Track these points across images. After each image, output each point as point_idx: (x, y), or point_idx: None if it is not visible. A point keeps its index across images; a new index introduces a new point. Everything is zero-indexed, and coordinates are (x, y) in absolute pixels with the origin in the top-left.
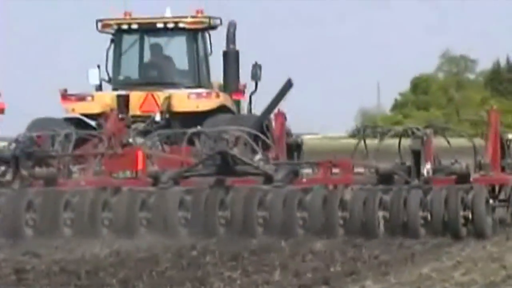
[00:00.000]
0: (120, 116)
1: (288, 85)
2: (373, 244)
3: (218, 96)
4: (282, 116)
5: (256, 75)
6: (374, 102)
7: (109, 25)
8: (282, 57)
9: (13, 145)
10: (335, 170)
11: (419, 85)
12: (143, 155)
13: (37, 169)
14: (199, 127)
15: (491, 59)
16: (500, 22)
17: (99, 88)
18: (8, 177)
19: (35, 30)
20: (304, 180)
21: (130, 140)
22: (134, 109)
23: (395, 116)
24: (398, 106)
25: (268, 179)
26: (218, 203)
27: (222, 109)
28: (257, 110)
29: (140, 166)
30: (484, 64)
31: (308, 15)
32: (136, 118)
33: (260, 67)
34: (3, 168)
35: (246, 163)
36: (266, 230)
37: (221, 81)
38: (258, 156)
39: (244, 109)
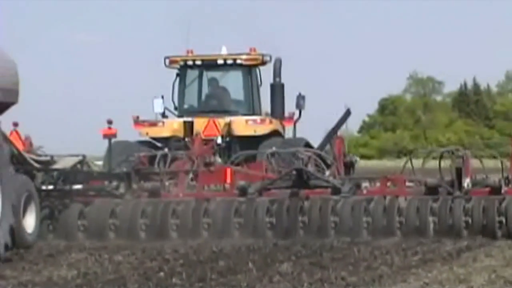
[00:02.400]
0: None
1: (347, 113)
2: (340, 265)
3: (271, 122)
4: (340, 139)
5: (300, 104)
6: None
7: (176, 62)
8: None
9: (122, 164)
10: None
11: (387, 106)
12: (231, 171)
13: (145, 183)
14: (274, 148)
15: (458, 80)
16: (467, 44)
17: (162, 115)
18: (121, 190)
19: (105, 67)
20: (365, 191)
21: (212, 159)
22: (198, 133)
23: (363, 137)
24: (365, 127)
25: (336, 190)
26: (298, 210)
27: (274, 133)
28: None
29: (228, 180)
30: (451, 86)
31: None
32: (194, 141)
33: (303, 97)
34: (115, 183)
35: (318, 178)
36: (337, 232)
37: (268, 110)
38: (328, 172)
39: (289, 134)
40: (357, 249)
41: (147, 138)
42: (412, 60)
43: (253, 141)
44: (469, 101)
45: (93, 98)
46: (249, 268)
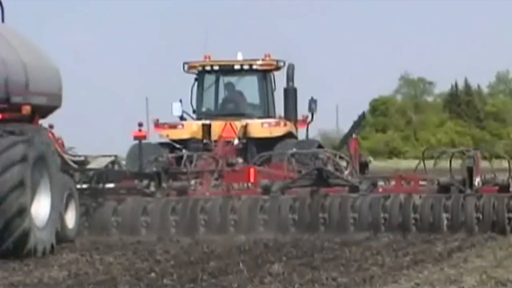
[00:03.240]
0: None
1: (362, 117)
2: (331, 266)
3: (285, 124)
4: (356, 141)
5: (312, 108)
6: (333, 124)
7: (194, 67)
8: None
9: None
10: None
11: (378, 107)
12: (255, 170)
13: (173, 182)
14: (294, 149)
15: (449, 81)
16: (458, 45)
17: (180, 118)
18: (151, 188)
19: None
20: (381, 190)
21: (234, 160)
22: (215, 135)
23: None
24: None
25: (355, 189)
26: (319, 207)
27: (288, 135)
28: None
29: (252, 180)
30: (442, 87)
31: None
32: (217, 143)
33: (315, 101)
34: (146, 181)
35: (338, 177)
36: (356, 228)
37: (281, 113)
38: (347, 172)
39: (303, 135)
40: (348, 250)
41: (166, 140)
42: (403, 61)
43: (268, 143)
44: (460, 102)
45: (112, 100)
46: (240, 269)
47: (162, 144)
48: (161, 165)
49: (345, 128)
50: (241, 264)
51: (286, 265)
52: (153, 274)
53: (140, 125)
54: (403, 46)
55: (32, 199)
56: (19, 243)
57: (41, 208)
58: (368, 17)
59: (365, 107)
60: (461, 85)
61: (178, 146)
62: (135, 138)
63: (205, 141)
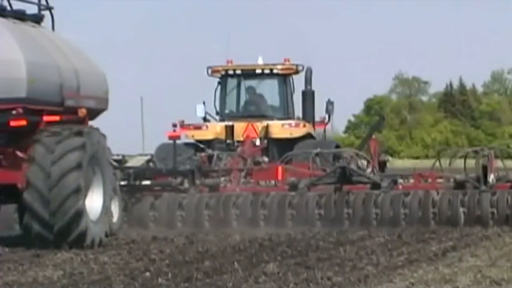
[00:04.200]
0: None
1: (382, 119)
2: (326, 265)
3: (304, 125)
4: (375, 141)
5: (329, 110)
6: (328, 124)
7: (217, 71)
8: None
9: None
10: None
11: (373, 107)
12: (282, 169)
13: (206, 179)
14: (318, 149)
15: (444, 81)
16: (453, 45)
17: (204, 119)
18: (185, 185)
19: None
20: (401, 187)
21: (261, 159)
22: (238, 136)
23: (348, 137)
24: (351, 127)
25: (376, 186)
26: (344, 203)
27: (307, 136)
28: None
29: (279, 177)
30: (437, 86)
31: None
32: (239, 143)
33: (332, 103)
34: (180, 179)
35: (360, 175)
36: (378, 223)
37: (300, 115)
38: (369, 170)
39: (320, 136)
40: (343, 249)
41: (191, 140)
42: (397, 60)
43: (288, 143)
44: (455, 101)
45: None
46: (235, 268)
47: (187, 144)
48: (195, 164)
49: (340, 127)
50: (236, 264)
51: (281, 264)
52: (147, 274)
53: (175, 125)
54: (398, 45)
55: (86, 196)
56: (77, 241)
57: (94, 202)
58: (363, 16)
59: (360, 107)
60: (456, 84)
61: (202, 146)
62: (170, 138)
63: (228, 141)
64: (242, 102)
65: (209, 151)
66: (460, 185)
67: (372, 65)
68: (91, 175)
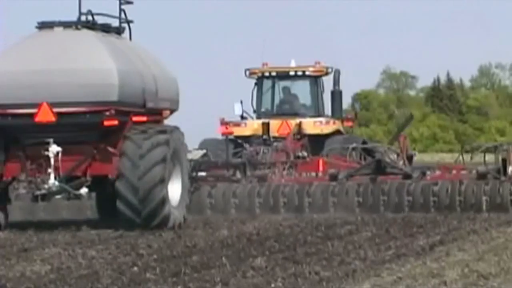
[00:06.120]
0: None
1: (410, 117)
2: (314, 260)
3: (334, 123)
4: (404, 137)
5: (355, 107)
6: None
7: (254, 73)
8: None
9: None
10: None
11: (360, 102)
12: (323, 161)
13: (255, 171)
14: (354, 144)
15: (431, 75)
16: (440, 39)
17: (241, 117)
18: (237, 176)
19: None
20: (429, 177)
21: (301, 153)
22: (273, 132)
23: None
24: None
25: (407, 176)
26: (380, 192)
27: (336, 132)
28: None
29: (321, 169)
30: (425, 81)
31: None
32: (275, 139)
33: (358, 101)
34: (232, 170)
35: (393, 167)
36: (410, 209)
37: (329, 113)
38: (401, 162)
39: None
40: (331, 244)
41: (231, 136)
42: (385, 54)
43: (319, 139)
44: (442, 95)
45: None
46: (222, 263)
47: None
48: (246, 157)
49: None
50: (223, 258)
51: (268, 259)
52: (135, 268)
53: (227, 123)
54: (385, 39)
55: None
56: (161, 224)
57: (174, 191)
58: (350, 10)
59: (347, 101)
60: (443, 79)
61: (240, 141)
62: (223, 134)
63: (264, 137)
64: (277, 101)
65: (247, 146)
66: (482, 176)
67: (359, 60)
68: (172, 167)
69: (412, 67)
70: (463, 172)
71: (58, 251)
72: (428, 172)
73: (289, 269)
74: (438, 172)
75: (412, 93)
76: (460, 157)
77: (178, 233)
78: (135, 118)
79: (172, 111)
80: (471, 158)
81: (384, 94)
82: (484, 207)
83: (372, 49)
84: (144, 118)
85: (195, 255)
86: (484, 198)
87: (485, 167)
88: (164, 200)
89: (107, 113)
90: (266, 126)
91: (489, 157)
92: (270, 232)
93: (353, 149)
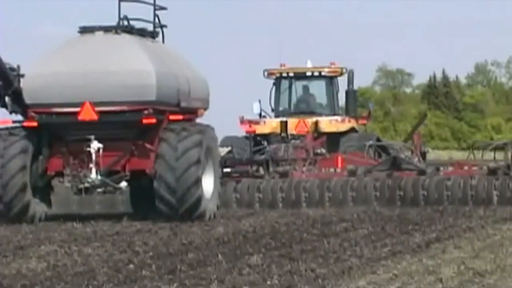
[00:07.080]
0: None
1: (425, 116)
2: (310, 257)
3: (349, 121)
4: (418, 135)
5: (369, 106)
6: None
7: (273, 73)
8: None
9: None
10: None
11: (356, 99)
12: (342, 158)
13: (277, 167)
14: (371, 142)
15: (427, 72)
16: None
17: (259, 116)
18: (260, 172)
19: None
20: (442, 173)
21: (319, 150)
22: (291, 130)
23: None
24: None
25: (422, 172)
26: (397, 186)
27: (352, 130)
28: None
29: (339, 165)
30: (421, 78)
31: None
32: (293, 136)
33: (372, 102)
34: (255, 167)
35: (409, 163)
36: (425, 202)
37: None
38: (416, 159)
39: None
40: (327, 241)
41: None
42: (381, 52)
43: (334, 136)
44: (438, 93)
45: None
46: (218, 260)
47: (247, 138)
48: (269, 154)
49: None
50: (219, 256)
51: (264, 256)
52: (131, 266)
53: (250, 121)
54: (381, 37)
55: (202, 176)
56: (194, 208)
57: (208, 185)
58: (345, 7)
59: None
60: (439, 76)
61: (259, 139)
62: (247, 132)
63: (282, 134)
64: (294, 101)
65: (265, 143)
66: (492, 172)
67: (355, 57)
68: (206, 163)
69: (408, 65)
70: (475, 168)
71: (54, 249)
72: (441, 168)
73: (285, 266)
74: (451, 168)
75: (408, 90)
76: (471, 155)
77: (174, 231)
78: (171, 117)
79: (204, 110)
80: (482, 156)
81: (380, 92)
82: (494, 201)
83: (368, 46)
84: (179, 117)
85: (191, 252)
86: (494, 192)
87: (495, 164)
88: (200, 198)
89: (146, 112)
90: (284, 125)
91: (499, 155)
92: (266, 229)
93: (370, 146)
